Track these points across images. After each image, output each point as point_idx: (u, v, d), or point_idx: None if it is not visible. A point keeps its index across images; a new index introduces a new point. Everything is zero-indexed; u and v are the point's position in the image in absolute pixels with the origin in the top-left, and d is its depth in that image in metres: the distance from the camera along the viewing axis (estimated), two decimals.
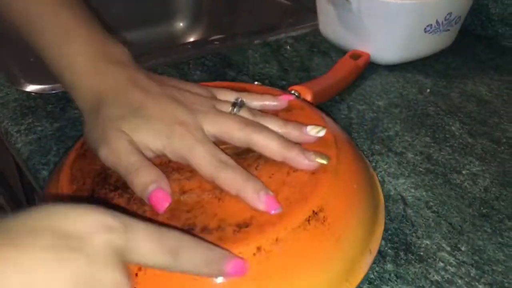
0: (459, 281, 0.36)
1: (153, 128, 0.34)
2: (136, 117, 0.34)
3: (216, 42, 0.71)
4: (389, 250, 0.38)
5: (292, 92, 0.51)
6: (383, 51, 0.65)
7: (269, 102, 0.40)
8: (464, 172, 0.47)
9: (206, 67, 0.65)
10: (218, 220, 0.30)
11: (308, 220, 0.30)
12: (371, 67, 0.65)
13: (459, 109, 0.57)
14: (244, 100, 0.39)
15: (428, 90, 0.61)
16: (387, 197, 0.44)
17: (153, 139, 0.34)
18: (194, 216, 0.30)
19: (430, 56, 0.68)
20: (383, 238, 0.39)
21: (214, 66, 0.65)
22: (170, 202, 0.31)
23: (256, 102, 0.40)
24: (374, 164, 0.48)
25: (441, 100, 0.59)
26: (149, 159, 0.34)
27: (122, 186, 0.33)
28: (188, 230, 0.29)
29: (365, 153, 0.49)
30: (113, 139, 0.33)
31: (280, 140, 0.34)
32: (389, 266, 0.37)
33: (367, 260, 0.33)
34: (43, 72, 0.60)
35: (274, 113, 0.39)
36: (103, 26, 0.41)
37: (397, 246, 0.39)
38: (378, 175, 0.46)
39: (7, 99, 0.56)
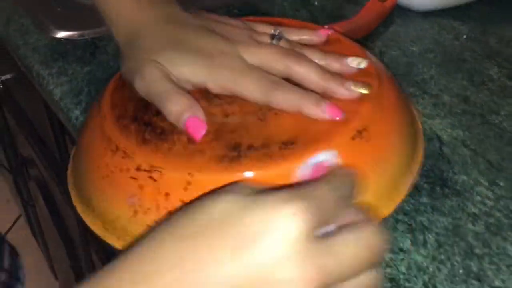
0: (498, 213, 0.35)
1: (194, 61, 0.33)
2: (175, 50, 0.33)
3: None
4: (425, 185, 0.37)
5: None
6: None
7: (307, 36, 0.39)
8: (502, 113, 0.46)
9: (233, 16, 0.64)
10: (263, 139, 0.30)
11: (353, 138, 0.30)
12: (404, 14, 0.63)
13: (497, 54, 0.55)
14: (283, 32, 0.38)
15: (465, 36, 0.59)
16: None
17: (193, 72, 0.33)
18: (239, 136, 0.30)
19: (464, 4, 0.65)
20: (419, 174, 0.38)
21: (243, 15, 0.64)
22: (205, 130, 0.31)
23: (294, 35, 0.38)
24: None
25: (478, 46, 0.57)
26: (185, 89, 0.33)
27: None
28: (233, 148, 0.29)
29: None
30: (146, 69, 0.33)
31: (320, 71, 0.33)
32: (425, 199, 0.36)
33: (409, 180, 0.33)
34: (70, 20, 0.61)
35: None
36: None
37: (433, 181, 0.38)
38: None
39: (37, 45, 0.56)
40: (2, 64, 0.78)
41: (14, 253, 0.54)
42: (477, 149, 0.41)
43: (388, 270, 0.31)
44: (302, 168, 0.28)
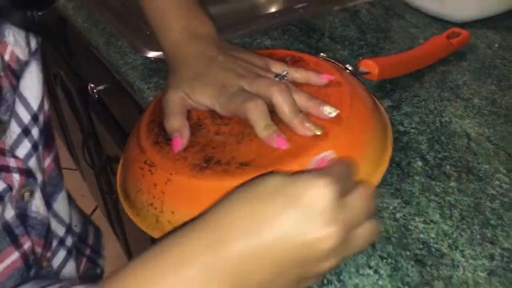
0: (511, 194, 0.44)
1: (207, 90, 0.44)
2: (196, 81, 0.45)
3: (300, 10, 0.80)
4: (453, 173, 0.47)
5: (360, 67, 0.58)
6: (459, 10, 0.71)
7: (313, 78, 0.46)
8: None
9: (293, 32, 0.75)
10: (230, 158, 0.40)
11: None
12: (443, 26, 0.71)
13: None
14: (291, 72, 0.46)
15: (497, 45, 0.67)
16: (453, 134, 0.52)
17: (205, 99, 0.44)
18: (216, 152, 0.41)
19: (500, 14, 0.73)
20: (448, 164, 0.48)
21: (300, 31, 0.75)
22: (180, 148, 0.41)
23: (299, 75, 0.46)
24: (442, 108, 0.56)
25: (509, 54, 0.65)
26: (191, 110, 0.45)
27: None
28: (206, 160, 0.40)
29: (435, 99, 0.57)
30: (170, 93, 0.45)
31: (292, 107, 0.41)
32: (453, 184, 0.46)
33: (381, 168, 0.42)
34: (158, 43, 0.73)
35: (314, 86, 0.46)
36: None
37: (460, 170, 0.47)
38: (446, 117, 0.54)
39: (135, 64, 0.69)
40: (96, 76, 0.92)
41: (98, 233, 0.67)
42: (499, 144, 0.50)
43: (421, 236, 0.41)
44: (313, 161, 0.38)
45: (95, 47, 0.78)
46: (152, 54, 0.71)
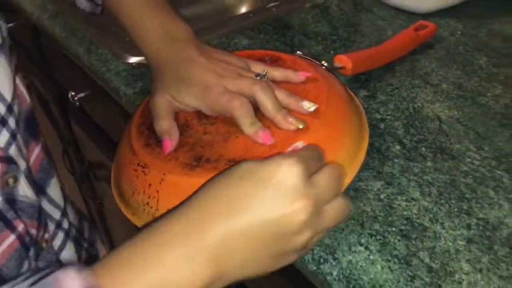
0: (483, 169, 0.49)
1: (192, 93, 0.46)
2: (181, 84, 0.47)
3: (273, 9, 0.83)
4: (429, 154, 0.51)
5: (335, 62, 0.61)
6: (422, 1, 0.75)
7: (291, 76, 0.49)
8: (489, 94, 0.59)
9: (267, 31, 0.78)
10: (218, 155, 0.42)
11: None
12: (407, 17, 0.76)
13: (486, 46, 0.68)
14: (271, 71, 0.48)
15: (459, 32, 0.72)
16: (426, 118, 0.56)
17: (191, 100, 0.46)
18: (205, 150, 0.43)
19: (461, 3, 0.78)
20: (424, 146, 0.52)
21: (274, 30, 0.78)
22: (171, 149, 0.44)
23: (278, 73, 0.49)
24: (414, 95, 0.60)
25: (470, 40, 0.70)
26: (184, 110, 0.48)
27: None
28: (196, 159, 0.43)
29: (406, 87, 0.61)
30: (157, 96, 0.47)
31: (275, 104, 0.44)
32: (429, 164, 0.50)
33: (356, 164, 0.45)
34: (137, 48, 0.75)
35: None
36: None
37: (435, 151, 0.51)
38: (418, 103, 0.58)
39: (118, 70, 0.71)
40: (76, 84, 0.94)
41: (92, 228, 0.69)
42: (468, 124, 0.54)
43: (404, 213, 0.45)
44: (286, 151, 0.41)
45: (75, 56, 0.79)
46: (133, 59, 0.73)
